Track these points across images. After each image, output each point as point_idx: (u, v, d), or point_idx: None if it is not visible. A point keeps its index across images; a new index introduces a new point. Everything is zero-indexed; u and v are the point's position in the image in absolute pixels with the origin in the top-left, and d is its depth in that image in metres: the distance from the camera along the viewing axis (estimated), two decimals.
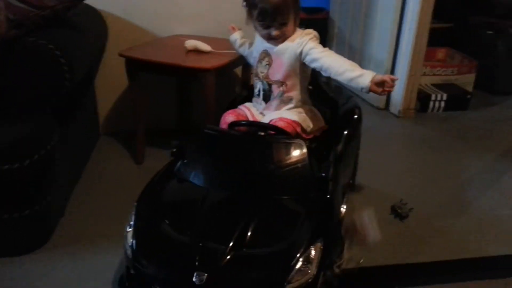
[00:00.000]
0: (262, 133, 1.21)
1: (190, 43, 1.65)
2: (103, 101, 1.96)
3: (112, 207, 1.47)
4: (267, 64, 1.29)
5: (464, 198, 1.62)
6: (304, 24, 1.33)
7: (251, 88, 1.54)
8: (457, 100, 2.45)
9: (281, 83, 1.28)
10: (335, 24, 2.90)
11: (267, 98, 1.32)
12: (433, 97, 2.41)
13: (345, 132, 1.32)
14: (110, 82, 1.91)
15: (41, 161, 1.17)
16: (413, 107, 2.36)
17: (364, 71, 1.16)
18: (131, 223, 0.99)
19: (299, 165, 1.07)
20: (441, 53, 2.71)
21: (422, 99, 2.40)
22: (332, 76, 1.20)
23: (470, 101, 2.48)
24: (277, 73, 1.28)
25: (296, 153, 1.09)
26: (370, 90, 1.13)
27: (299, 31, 1.28)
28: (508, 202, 1.60)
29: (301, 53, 1.24)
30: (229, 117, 1.29)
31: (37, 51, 1.20)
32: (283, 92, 1.29)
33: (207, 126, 1.17)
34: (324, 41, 1.35)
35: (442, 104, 2.43)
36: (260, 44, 1.32)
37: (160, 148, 1.75)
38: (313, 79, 1.40)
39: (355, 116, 1.44)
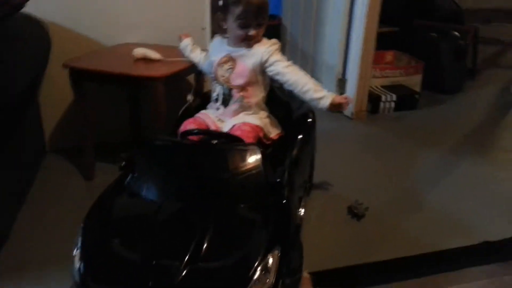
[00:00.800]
0: (215, 141, 1.18)
1: (138, 51, 1.60)
2: (49, 116, 1.86)
3: (62, 228, 1.38)
4: (229, 68, 1.28)
5: (418, 194, 1.68)
6: None
7: (204, 96, 1.52)
8: (406, 100, 2.54)
9: (242, 88, 1.28)
10: (287, 31, 2.94)
11: (226, 102, 1.31)
12: (383, 98, 2.48)
13: (299, 137, 1.33)
14: (55, 96, 1.82)
15: None
16: (365, 109, 2.42)
17: (325, 93, 1.24)
18: (78, 244, 0.93)
19: (253, 171, 1.05)
20: (389, 56, 2.81)
21: (373, 100, 2.47)
22: (295, 92, 1.26)
23: (419, 101, 2.58)
24: (239, 77, 1.27)
25: (250, 159, 1.07)
26: (327, 110, 1.22)
27: (265, 39, 1.30)
28: (458, 195, 1.67)
29: (266, 61, 1.26)
30: (190, 126, 1.26)
31: None
32: (243, 98, 1.29)
33: (156, 137, 1.13)
34: None
35: (392, 104, 2.51)
36: (221, 47, 1.31)
37: (111, 163, 1.67)
38: None
39: (309, 120, 1.46)
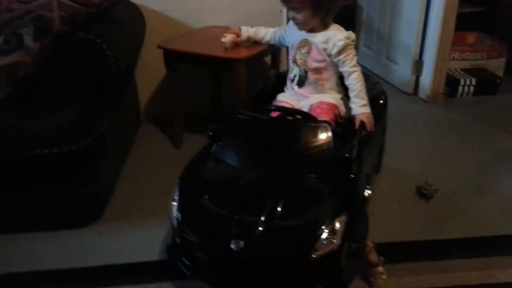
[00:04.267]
0: (291, 117, 1.30)
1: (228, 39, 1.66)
2: (143, 91, 2.10)
3: (156, 186, 1.61)
4: (306, 52, 1.38)
5: (489, 179, 1.67)
6: None
7: (279, 76, 1.63)
8: (487, 84, 2.45)
9: (317, 70, 1.37)
10: (363, 10, 2.92)
11: (301, 83, 1.41)
12: (462, 82, 2.42)
13: None
14: (149, 73, 2.04)
15: (94, 143, 1.31)
16: (442, 92, 2.38)
17: (358, 110, 1.33)
18: (176, 197, 1.11)
19: (324, 146, 1.15)
20: (471, 37, 2.70)
21: (451, 84, 2.42)
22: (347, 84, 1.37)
23: (500, 86, 2.47)
24: (315, 61, 1.37)
25: (321, 135, 1.17)
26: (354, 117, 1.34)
27: (338, 27, 1.36)
28: None
29: (337, 53, 1.33)
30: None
31: (86, 45, 1.34)
32: (318, 80, 1.38)
33: (239, 111, 1.27)
34: (353, 28, 1.40)
35: (471, 88, 2.43)
36: (298, 32, 1.40)
37: (196, 133, 1.86)
38: None
39: (381, 102, 1.51)
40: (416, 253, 1.29)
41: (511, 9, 2.76)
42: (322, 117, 1.29)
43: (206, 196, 1.08)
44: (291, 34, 1.45)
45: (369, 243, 1.17)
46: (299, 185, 1.12)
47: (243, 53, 1.63)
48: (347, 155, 1.15)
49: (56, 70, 1.34)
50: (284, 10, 2.04)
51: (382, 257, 1.16)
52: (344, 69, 1.35)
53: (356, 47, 1.42)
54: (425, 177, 1.61)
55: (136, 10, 1.86)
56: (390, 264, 1.18)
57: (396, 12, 2.52)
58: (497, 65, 2.54)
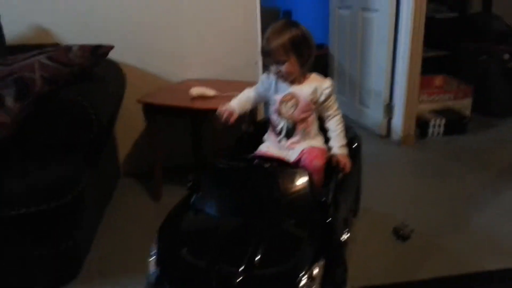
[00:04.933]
0: (268, 165, 1.33)
1: (195, 91, 1.77)
2: (122, 145, 2.12)
3: (134, 242, 1.59)
4: (293, 105, 1.40)
5: (463, 217, 1.71)
6: None
7: (257, 125, 1.68)
8: (455, 124, 2.57)
9: (304, 119, 1.42)
10: (334, 59, 3.08)
11: (290, 134, 1.43)
12: (431, 123, 2.53)
13: None
14: (128, 127, 2.09)
15: (72, 201, 1.32)
16: (413, 134, 2.48)
17: (338, 150, 1.41)
18: (154, 252, 1.11)
19: (301, 191, 1.19)
20: (438, 80, 2.85)
21: (422, 125, 2.52)
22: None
23: (468, 125, 2.59)
24: (303, 113, 1.41)
25: (298, 180, 1.20)
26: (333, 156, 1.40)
27: (317, 76, 1.42)
28: (505, 218, 1.69)
29: (323, 101, 1.40)
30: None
31: (68, 103, 1.38)
32: (305, 128, 1.43)
33: (217, 162, 1.31)
34: (326, 76, 1.44)
35: (441, 129, 2.54)
36: (281, 85, 1.42)
37: (176, 185, 1.86)
38: None
39: (354, 145, 1.57)
40: None
41: (471, 52, 2.94)
42: (316, 161, 1.33)
43: (185, 248, 1.09)
44: (273, 89, 1.44)
45: None
46: (278, 231, 1.13)
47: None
48: (324, 199, 1.18)
49: (37, 129, 1.36)
50: (259, 62, 2.15)
51: None
52: (328, 113, 1.42)
53: None
54: (401, 218, 1.65)
55: (116, 67, 1.92)
56: None
57: (365, 59, 2.67)
58: (464, 105, 2.68)
